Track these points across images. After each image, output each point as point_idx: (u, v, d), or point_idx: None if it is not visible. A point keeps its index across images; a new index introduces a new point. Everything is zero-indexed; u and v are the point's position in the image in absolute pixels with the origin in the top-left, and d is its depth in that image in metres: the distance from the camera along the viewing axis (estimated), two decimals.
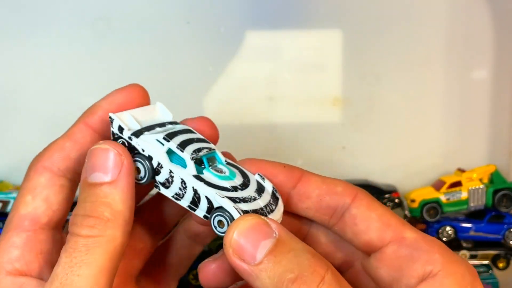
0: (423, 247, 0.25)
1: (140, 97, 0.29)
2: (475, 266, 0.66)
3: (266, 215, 0.25)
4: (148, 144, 0.26)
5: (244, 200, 0.25)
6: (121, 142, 0.26)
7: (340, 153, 0.72)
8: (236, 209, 0.24)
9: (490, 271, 0.66)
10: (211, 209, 0.25)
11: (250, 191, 0.26)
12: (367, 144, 0.73)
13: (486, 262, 0.67)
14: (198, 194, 0.25)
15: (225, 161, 0.28)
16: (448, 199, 0.68)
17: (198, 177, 0.25)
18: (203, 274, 0.28)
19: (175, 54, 0.69)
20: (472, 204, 0.68)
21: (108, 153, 0.25)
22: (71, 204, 0.28)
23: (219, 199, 0.24)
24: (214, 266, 0.28)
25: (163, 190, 0.26)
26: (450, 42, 0.71)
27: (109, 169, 0.25)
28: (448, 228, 0.67)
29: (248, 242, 0.23)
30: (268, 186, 0.27)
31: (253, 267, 0.22)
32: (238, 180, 0.26)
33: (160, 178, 0.26)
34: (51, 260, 0.26)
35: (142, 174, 0.26)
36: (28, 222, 0.26)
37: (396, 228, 0.26)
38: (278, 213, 0.26)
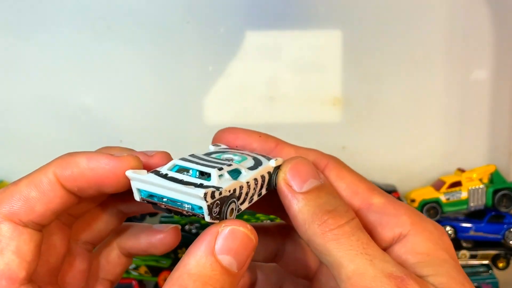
0: (391, 211, 0.26)
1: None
2: (475, 266, 0.67)
3: None
4: (227, 183, 0.24)
5: (269, 157, 0.28)
6: (215, 204, 0.24)
7: (340, 153, 0.72)
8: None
9: (490, 271, 0.66)
10: (270, 180, 0.27)
11: (253, 154, 0.28)
12: (367, 144, 0.73)
13: (486, 262, 0.67)
14: (264, 176, 0.27)
15: (207, 154, 0.29)
16: (448, 199, 0.68)
17: (251, 168, 0.27)
18: None
19: (175, 54, 0.69)
20: (472, 204, 0.68)
21: (251, 243, 0.23)
22: (40, 252, 0.25)
23: (275, 162, 0.27)
24: None
25: (242, 207, 0.26)
26: (450, 42, 0.71)
27: (242, 261, 0.23)
28: (448, 228, 0.67)
29: (300, 174, 0.25)
30: (240, 150, 0.30)
31: (297, 193, 0.25)
32: (243, 154, 0.28)
33: (240, 199, 0.26)
34: None
35: (234, 214, 0.25)
36: (5, 282, 0.23)
37: (363, 195, 0.27)
38: None
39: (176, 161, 0.26)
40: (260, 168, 0.27)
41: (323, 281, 0.31)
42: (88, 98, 0.70)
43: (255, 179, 0.26)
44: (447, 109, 0.73)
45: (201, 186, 0.24)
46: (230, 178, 0.25)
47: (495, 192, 0.67)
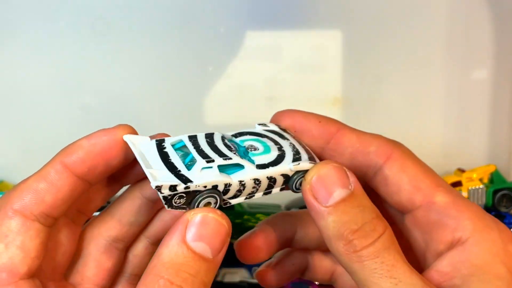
0: (453, 213, 0.25)
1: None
2: None
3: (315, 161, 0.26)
4: (204, 179, 0.24)
5: (297, 157, 0.26)
6: (178, 196, 0.23)
7: None
8: (312, 161, 0.26)
9: None
10: (287, 180, 0.26)
11: (288, 148, 0.27)
12: None
13: None
14: (274, 178, 0.25)
15: (234, 136, 0.27)
16: None
17: (261, 166, 0.25)
18: (262, 279, 0.32)
19: (174, 54, 0.69)
20: None
21: (223, 228, 0.23)
22: (46, 249, 0.25)
23: (293, 167, 0.25)
24: (271, 272, 0.32)
25: (234, 201, 0.25)
26: (450, 42, 0.71)
27: (217, 247, 0.23)
28: None
29: (325, 185, 0.24)
30: (288, 136, 0.28)
31: (323, 208, 0.24)
32: (273, 145, 0.27)
33: (229, 194, 0.25)
34: None
35: (212, 206, 0.25)
36: (5, 275, 0.23)
37: (426, 192, 0.25)
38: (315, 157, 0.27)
39: (183, 137, 0.26)
40: (272, 168, 0.25)
41: None
42: (87, 98, 0.70)
43: (256, 180, 0.25)
44: (447, 109, 0.73)
45: (176, 173, 0.24)
46: (218, 173, 0.24)
47: (495, 192, 0.67)
